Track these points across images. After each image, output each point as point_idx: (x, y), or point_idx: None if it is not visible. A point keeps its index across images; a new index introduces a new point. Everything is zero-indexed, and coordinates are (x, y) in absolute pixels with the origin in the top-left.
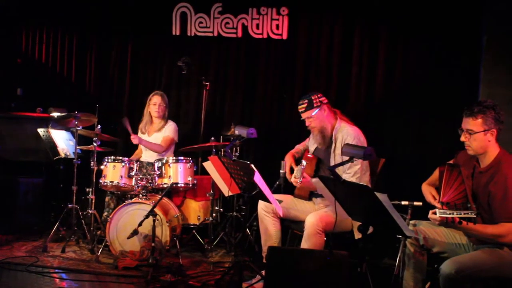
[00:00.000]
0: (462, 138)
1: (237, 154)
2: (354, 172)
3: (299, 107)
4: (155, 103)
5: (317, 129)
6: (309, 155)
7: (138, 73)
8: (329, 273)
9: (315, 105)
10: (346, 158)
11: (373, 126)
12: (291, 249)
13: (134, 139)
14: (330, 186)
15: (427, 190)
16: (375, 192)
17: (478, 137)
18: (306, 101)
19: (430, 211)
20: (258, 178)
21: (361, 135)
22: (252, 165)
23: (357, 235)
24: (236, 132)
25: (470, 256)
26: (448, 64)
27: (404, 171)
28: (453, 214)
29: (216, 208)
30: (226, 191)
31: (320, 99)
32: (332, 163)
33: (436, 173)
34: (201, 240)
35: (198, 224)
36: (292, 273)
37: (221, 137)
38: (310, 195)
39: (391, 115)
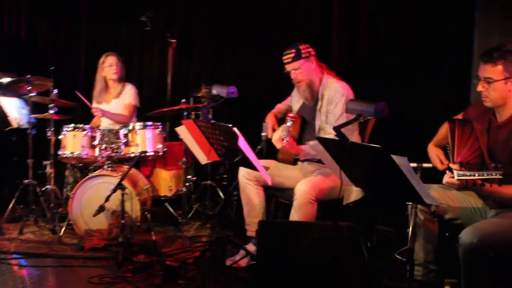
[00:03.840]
0: (479, 88)
1: (210, 117)
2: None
3: (285, 57)
4: (111, 64)
5: (305, 83)
6: (290, 114)
7: (96, 31)
8: (331, 247)
9: (303, 55)
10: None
11: (357, 83)
12: (285, 222)
13: (96, 112)
14: (332, 149)
15: (434, 153)
16: (392, 155)
17: (498, 86)
18: (294, 50)
19: (447, 175)
20: (242, 143)
21: (350, 93)
22: (235, 129)
23: (346, 201)
24: (214, 92)
25: (493, 223)
26: (439, 11)
27: (395, 130)
28: (474, 175)
29: (189, 177)
30: (202, 158)
31: (308, 50)
32: (317, 122)
33: (442, 130)
34: (174, 213)
35: (170, 195)
36: (288, 249)
37: (192, 99)
38: (295, 159)
39: (377, 70)
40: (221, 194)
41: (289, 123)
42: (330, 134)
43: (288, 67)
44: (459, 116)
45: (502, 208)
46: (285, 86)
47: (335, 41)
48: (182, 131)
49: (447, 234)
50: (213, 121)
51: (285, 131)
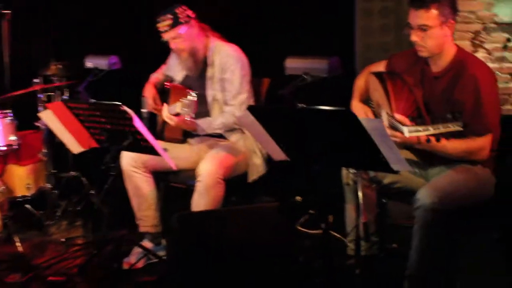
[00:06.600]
0: (414, 38)
1: (64, 97)
2: (240, 103)
3: (160, 25)
4: None
5: (187, 52)
6: (169, 84)
7: None
8: (271, 232)
9: (182, 20)
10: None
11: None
12: (210, 212)
13: None
14: (268, 119)
15: (362, 110)
16: (363, 118)
17: (435, 33)
18: (170, 16)
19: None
20: (139, 124)
21: (243, 56)
22: (125, 107)
23: (251, 177)
24: (89, 65)
25: (448, 180)
26: None
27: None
28: (427, 130)
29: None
30: (75, 147)
31: (187, 13)
32: (209, 91)
33: (359, 84)
34: (37, 214)
35: (29, 195)
36: (214, 244)
37: (42, 78)
38: (184, 135)
39: (254, 27)
40: (89, 185)
41: (193, 96)
42: (233, 105)
43: (166, 36)
44: (380, 67)
45: (447, 164)
46: (149, 53)
47: None
48: (47, 116)
49: (384, 200)
50: (93, 101)
51: (189, 107)
